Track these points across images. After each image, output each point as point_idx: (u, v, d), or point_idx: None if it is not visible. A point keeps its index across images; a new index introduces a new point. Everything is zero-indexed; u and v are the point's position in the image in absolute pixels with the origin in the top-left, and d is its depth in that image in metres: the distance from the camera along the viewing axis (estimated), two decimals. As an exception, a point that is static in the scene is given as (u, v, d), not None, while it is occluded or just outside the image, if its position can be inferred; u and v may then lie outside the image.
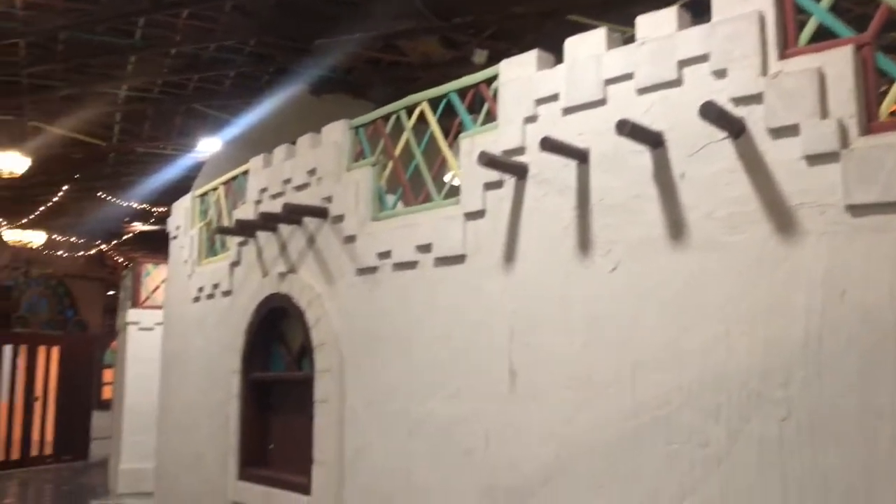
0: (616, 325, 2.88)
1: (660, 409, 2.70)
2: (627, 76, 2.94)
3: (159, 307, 9.39)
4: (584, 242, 3.02)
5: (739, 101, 2.61)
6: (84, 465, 15.72)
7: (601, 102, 3.01)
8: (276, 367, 4.80)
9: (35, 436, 15.43)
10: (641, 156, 2.86)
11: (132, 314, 9.46)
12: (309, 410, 4.18)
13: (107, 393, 17.31)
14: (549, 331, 3.10)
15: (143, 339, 9.34)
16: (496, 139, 3.37)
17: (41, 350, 15.72)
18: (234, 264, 5.20)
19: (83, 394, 16.41)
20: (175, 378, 6.24)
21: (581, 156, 3.04)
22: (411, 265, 3.71)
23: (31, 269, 15.45)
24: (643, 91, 2.88)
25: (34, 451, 15.35)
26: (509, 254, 3.28)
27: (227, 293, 5.27)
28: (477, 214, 3.43)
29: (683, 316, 2.68)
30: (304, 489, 4.12)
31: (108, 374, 17.42)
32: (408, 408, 3.65)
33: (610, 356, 2.89)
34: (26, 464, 14.98)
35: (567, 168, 3.09)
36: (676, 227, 2.74)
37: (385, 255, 3.83)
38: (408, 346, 3.69)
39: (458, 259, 3.49)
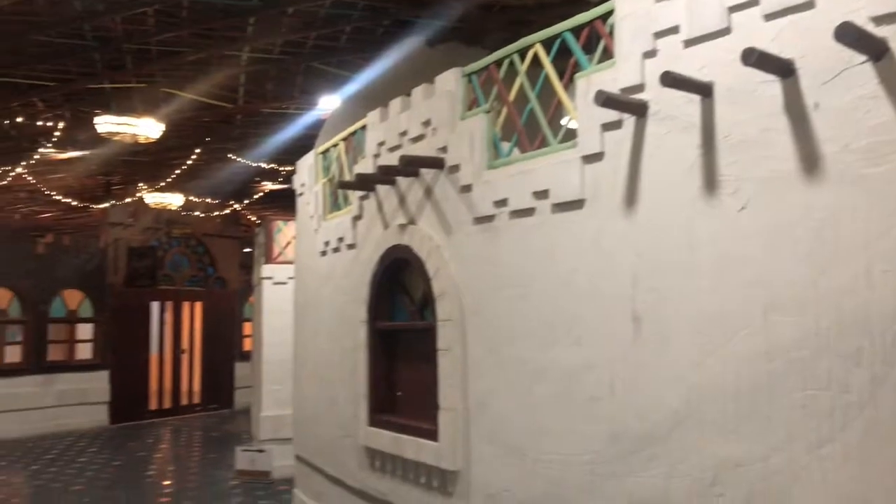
0: (746, 266, 2.75)
1: (795, 353, 2.57)
2: (753, 2, 2.74)
3: (291, 262, 9.77)
4: (710, 181, 2.88)
5: (881, 19, 2.39)
6: (230, 413, 16.76)
7: (725, 32, 2.84)
8: (400, 316, 4.90)
9: (184, 386, 16.57)
10: (770, 86, 2.68)
11: (266, 269, 9.89)
12: (433, 359, 4.25)
13: (247, 345, 18.29)
14: (675, 274, 3.00)
15: (277, 293, 9.76)
16: (614, 77, 3.25)
17: (185, 306, 16.76)
18: (357, 218, 5.32)
19: (226, 346, 17.43)
20: (307, 329, 6.49)
21: (705, 90, 2.88)
22: (528, 212, 3.66)
23: (173, 230, 16.35)
24: (771, 17, 2.69)
25: (184, 401, 16.49)
26: (630, 197, 3.18)
27: (351, 246, 5.40)
28: (595, 157, 3.34)
29: (820, 255, 2.52)
30: (432, 435, 4.21)
31: (247, 328, 18.36)
32: (530, 355, 3.64)
33: (740, 299, 2.76)
34: (177, 412, 16.12)
35: (690, 104, 2.95)
36: (810, 160, 2.56)
37: (502, 203, 3.80)
38: (528, 294, 3.67)
39: (577, 204, 3.41)
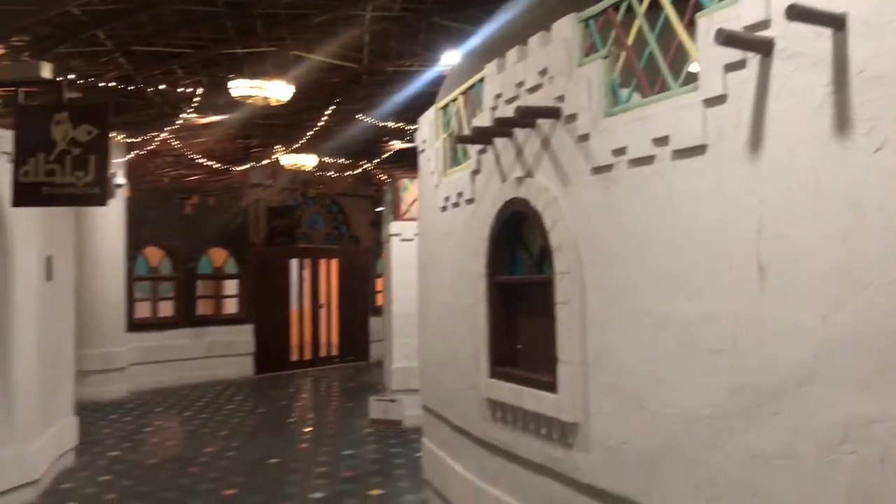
0: (882, 211, 2.55)
1: (935, 303, 2.37)
2: (893, -80, 2.50)
3: (417, 219, 9.91)
4: (842, 121, 2.68)
5: None
6: (365, 365, 17.39)
7: (860, -44, 2.61)
8: (519, 270, 4.89)
9: (322, 339, 17.30)
10: (912, 14, 2.45)
11: (394, 227, 10.11)
12: (551, 312, 4.22)
13: (380, 300, 18.84)
14: (803, 221, 2.82)
15: (404, 250, 9.96)
16: (737, 14, 3.06)
17: (322, 263, 17.41)
18: (475, 172, 5.32)
19: (360, 301, 18.02)
20: (430, 284, 6.61)
21: (837, 22, 2.67)
22: (648, 160, 3.54)
23: (308, 190, 16.95)
24: (914, -65, 2.45)
25: (323, 353, 17.24)
26: (755, 140, 3.01)
27: (470, 201, 5.42)
28: (717, 100, 3.17)
29: (965, 197, 2.31)
30: (551, 387, 4.21)
31: (380, 284, 18.90)
32: (650, 307, 3.55)
33: (875, 247, 2.57)
34: (317, 364, 16.89)
35: (820, 38, 2.74)
36: (957, 93, 2.33)
37: (620, 151, 3.70)
38: (647, 245, 3.57)
39: (698, 150, 3.26)
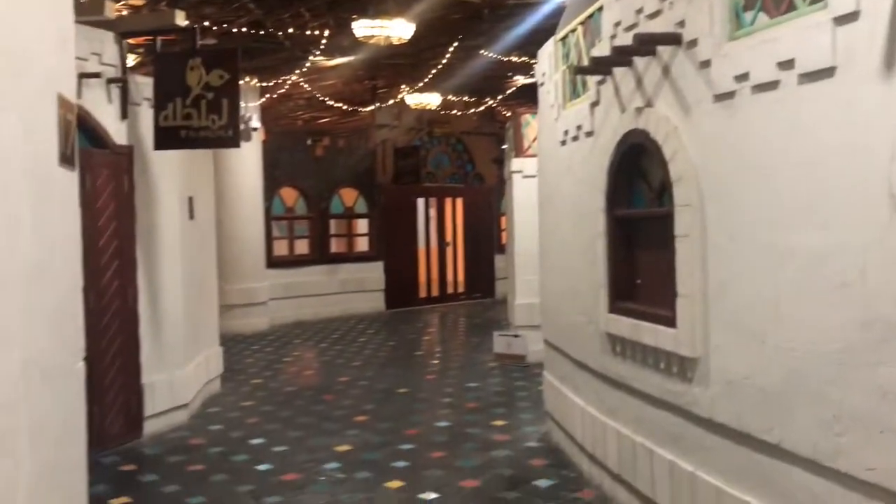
0: None
1: None
2: None
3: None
4: None
5: None
6: (491, 301, 17.63)
7: None
8: (638, 203, 4.81)
9: (449, 276, 17.64)
10: None
11: (515, 163, 10.08)
12: (671, 245, 4.15)
13: (505, 238, 18.93)
14: (942, 146, 2.63)
15: (526, 187, 9.93)
16: (872, -78, 2.83)
17: (447, 201, 17.63)
18: (594, 104, 5.22)
19: (485, 239, 18.19)
20: (550, 220, 6.59)
21: None
22: (772, 86, 3.37)
23: (433, 130, 17.10)
24: None
25: (449, 290, 17.59)
26: (889, 60, 2.80)
27: (589, 134, 5.34)
28: (849, 17, 2.96)
29: None
30: (670, 322, 4.16)
31: (504, 222, 18.97)
32: (773, 240, 3.42)
33: None
34: (444, 300, 17.27)
35: (966, -58, 2.50)
36: None
37: (742, 77, 3.53)
38: (771, 175, 3.42)
39: (826, 73, 3.07)
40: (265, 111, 14.87)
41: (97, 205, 6.49)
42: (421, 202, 17.23)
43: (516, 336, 9.91)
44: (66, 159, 2.76)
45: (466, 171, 18.04)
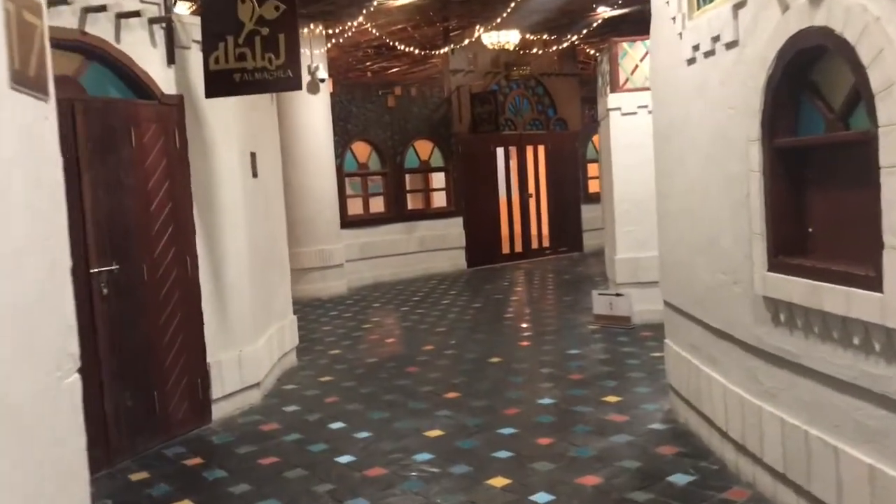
0: None
1: None
2: None
3: (641, 89, 8.69)
4: None
5: None
6: (579, 255, 16.54)
7: None
8: (810, 128, 3.70)
9: (533, 230, 16.58)
10: None
11: (612, 100, 8.92)
12: (869, 181, 3.05)
13: (592, 187, 17.73)
14: None
15: (626, 126, 8.80)
16: None
17: (528, 149, 16.51)
18: (738, 6, 4.09)
19: (571, 188, 17.03)
20: (671, 158, 5.50)
21: None
22: None
23: (511, 72, 15.93)
24: None
25: (534, 244, 16.56)
26: None
27: (731, 45, 4.21)
28: None
29: None
30: (870, 283, 3.08)
31: (592, 169, 17.75)
32: None
33: None
34: (528, 256, 16.25)
35: None
36: None
37: None
38: None
39: None
40: (333, 63, 13.98)
41: (146, 164, 5.70)
42: (500, 151, 16.13)
43: (619, 295, 8.87)
44: (22, 80, 1.87)
45: (548, 116, 16.82)
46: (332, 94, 13.36)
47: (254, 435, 5.89)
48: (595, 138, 17.65)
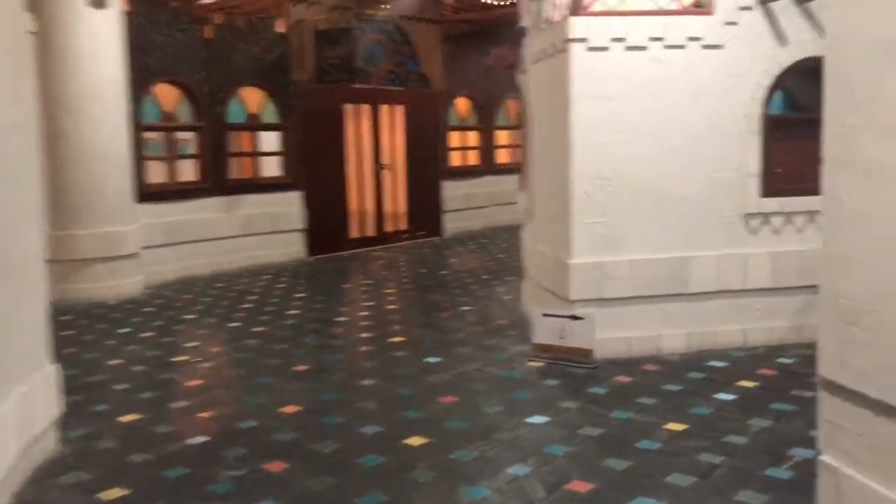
0: None
1: None
2: None
3: (619, 13, 5.88)
4: None
5: None
6: (441, 241, 13.69)
7: None
8: None
9: (387, 209, 13.45)
10: None
11: (575, 26, 5.92)
12: None
13: (455, 159, 14.87)
14: None
15: (594, 67, 5.86)
16: None
17: (384, 109, 13.30)
18: None
19: (431, 161, 14.06)
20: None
21: None
22: None
23: (365, 10, 12.63)
24: None
25: (388, 227, 13.44)
26: None
27: None
28: None
29: None
30: None
31: (453, 138, 14.87)
32: None
33: None
34: (382, 241, 13.12)
35: None
36: None
37: None
38: None
39: None
40: (127, -30, 9.95)
41: None
42: (350, 109, 12.79)
43: (576, 318, 6.00)
44: None
45: (408, 70, 13.68)
46: (127, 14, 9.44)
47: None
48: (458, 101, 14.77)
